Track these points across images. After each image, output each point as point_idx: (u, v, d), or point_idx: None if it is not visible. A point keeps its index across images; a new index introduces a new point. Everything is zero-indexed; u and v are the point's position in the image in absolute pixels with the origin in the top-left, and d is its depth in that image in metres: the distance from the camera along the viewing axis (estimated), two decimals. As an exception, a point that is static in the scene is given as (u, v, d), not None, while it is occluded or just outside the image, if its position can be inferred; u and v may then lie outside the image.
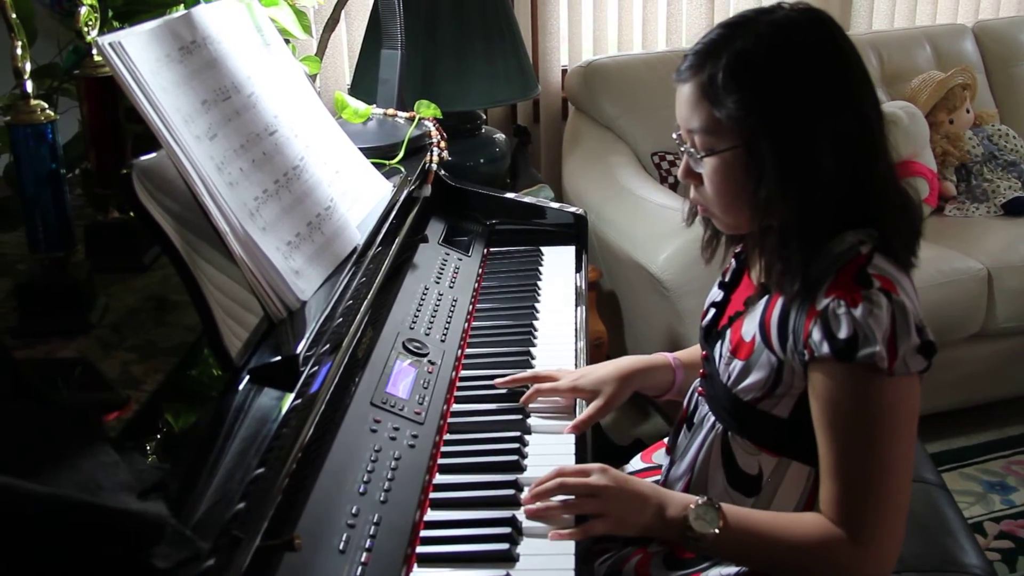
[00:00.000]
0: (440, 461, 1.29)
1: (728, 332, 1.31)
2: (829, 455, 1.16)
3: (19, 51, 1.19)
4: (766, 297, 1.25)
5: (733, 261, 1.40)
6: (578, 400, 1.48)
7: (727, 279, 1.41)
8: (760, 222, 1.21)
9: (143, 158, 1.13)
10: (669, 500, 1.23)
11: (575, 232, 2.03)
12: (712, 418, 1.33)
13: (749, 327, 1.26)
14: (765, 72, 1.17)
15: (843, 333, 1.12)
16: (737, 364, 1.26)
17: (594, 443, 1.46)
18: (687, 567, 1.31)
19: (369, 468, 1.17)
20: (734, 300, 1.36)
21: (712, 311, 1.39)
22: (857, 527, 1.15)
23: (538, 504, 1.21)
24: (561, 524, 1.19)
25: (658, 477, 1.45)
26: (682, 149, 1.26)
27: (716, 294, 1.41)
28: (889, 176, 1.22)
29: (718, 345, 1.32)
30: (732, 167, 1.20)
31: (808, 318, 1.16)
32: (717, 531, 1.18)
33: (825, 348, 1.13)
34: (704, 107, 1.19)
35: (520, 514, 1.19)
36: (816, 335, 1.14)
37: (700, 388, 1.40)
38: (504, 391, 1.47)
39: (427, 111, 1.96)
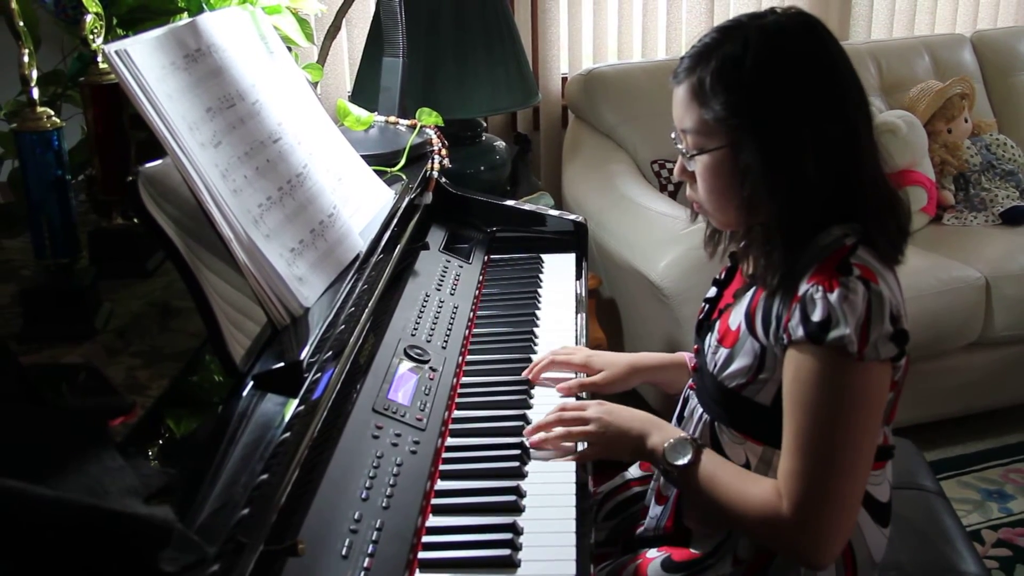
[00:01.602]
0: (442, 467, 1.30)
1: (717, 323, 1.34)
2: (789, 431, 1.19)
3: (26, 58, 1.20)
4: (753, 288, 1.29)
5: (729, 260, 1.43)
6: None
7: (722, 277, 1.45)
8: (747, 220, 1.26)
9: (148, 165, 1.14)
10: (654, 429, 1.34)
11: (575, 239, 2.03)
12: (700, 410, 1.37)
13: (736, 317, 1.30)
14: (751, 77, 1.21)
15: (817, 316, 1.16)
16: (723, 352, 1.30)
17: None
18: (685, 570, 1.33)
19: (371, 474, 1.18)
20: (726, 295, 1.40)
21: (706, 307, 1.44)
22: (801, 505, 1.17)
23: (539, 435, 1.35)
24: (559, 455, 1.34)
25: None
26: (677, 148, 1.30)
27: (711, 291, 1.45)
28: (876, 177, 1.26)
29: (708, 337, 1.36)
30: (720, 166, 1.25)
31: (790, 304, 1.19)
32: (683, 463, 1.27)
33: (800, 331, 1.17)
34: (694, 108, 1.25)
35: (521, 519, 1.20)
36: (794, 319, 1.18)
37: (691, 382, 1.44)
38: (505, 398, 1.48)
39: (428, 119, 1.97)
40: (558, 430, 1.35)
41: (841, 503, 1.17)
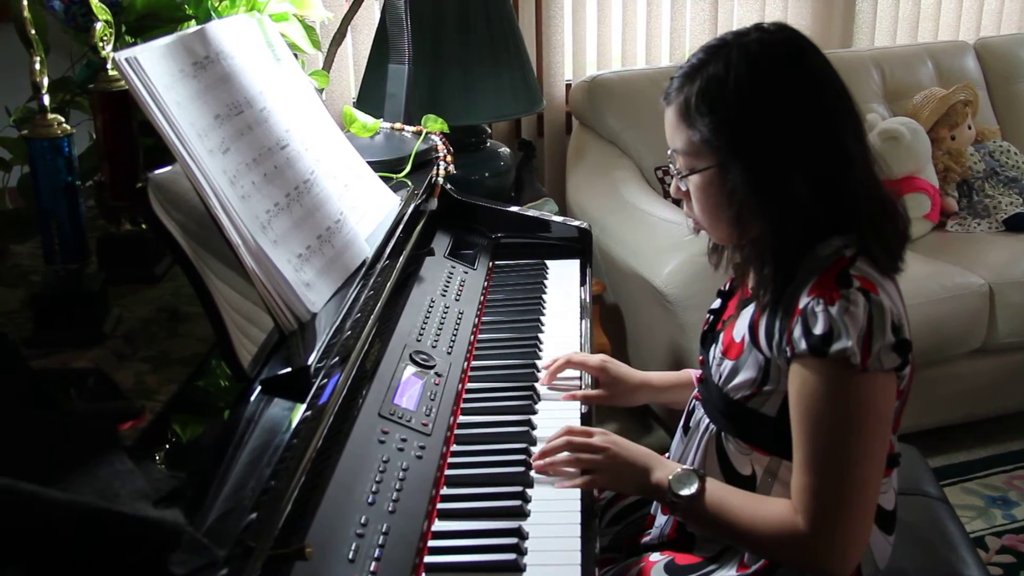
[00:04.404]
0: (447, 472, 1.31)
1: (721, 335, 1.35)
2: (799, 446, 1.20)
3: (37, 65, 1.21)
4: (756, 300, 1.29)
5: (734, 272, 1.43)
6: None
7: (726, 289, 1.45)
8: (740, 236, 1.28)
9: (158, 172, 1.15)
10: (657, 465, 1.32)
11: (579, 246, 2.04)
12: (707, 421, 1.37)
13: (739, 328, 1.31)
14: (733, 97, 1.22)
15: (819, 329, 1.16)
16: (727, 364, 1.31)
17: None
18: (688, 572, 1.33)
19: (377, 478, 1.19)
20: (730, 306, 1.40)
21: (710, 318, 1.44)
22: (818, 519, 1.17)
23: (546, 460, 1.32)
24: (564, 480, 1.31)
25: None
26: (670, 167, 1.32)
27: (715, 303, 1.46)
28: (870, 187, 1.26)
29: (712, 348, 1.36)
30: (710, 186, 1.26)
31: (791, 317, 1.20)
32: (690, 493, 1.26)
33: (803, 345, 1.17)
34: (683, 129, 1.26)
35: (527, 524, 1.21)
36: (796, 332, 1.18)
37: (697, 393, 1.44)
38: (510, 403, 1.49)
39: (434, 125, 1.98)
40: (565, 456, 1.33)
41: (858, 514, 1.18)
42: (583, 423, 1.47)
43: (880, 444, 1.19)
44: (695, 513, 1.28)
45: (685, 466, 1.31)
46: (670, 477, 1.28)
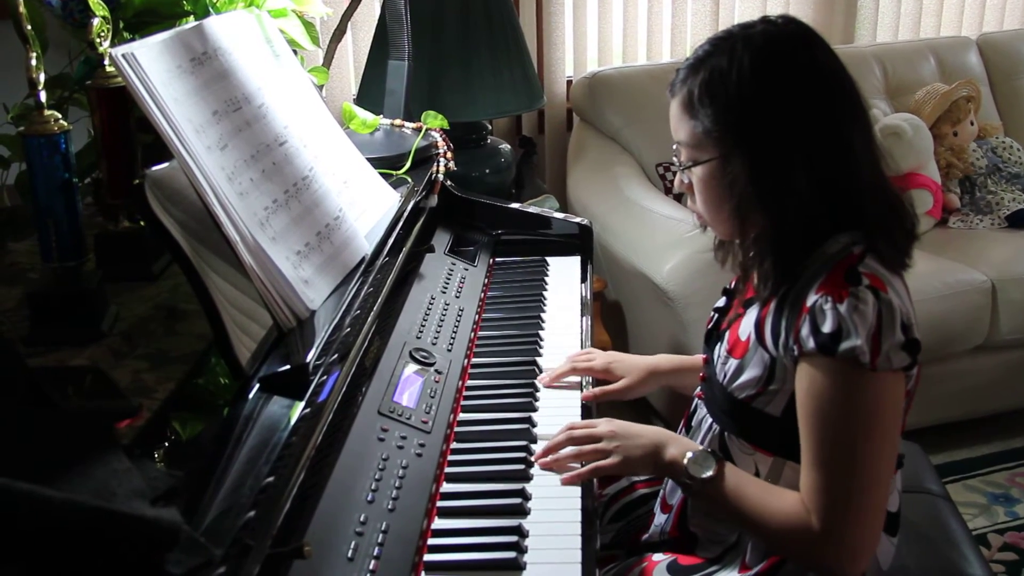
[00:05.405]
0: (447, 470, 1.30)
1: (727, 334, 1.34)
2: (808, 446, 1.19)
3: (34, 62, 1.21)
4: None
5: (740, 271, 1.42)
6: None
7: (732, 287, 1.44)
8: (742, 230, 1.27)
9: (155, 168, 1.14)
10: (670, 441, 1.32)
11: (580, 242, 2.03)
12: (710, 420, 1.36)
13: (745, 327, 1.30)
14: (736, 89, 1.21)
15: (827, 328, 1.15)
16: (732, 363, 1.30)
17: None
18: (691, 573, 1.33)
19: (377, 476, 1.18)
20: (735, 305, 1.39)
21: (715, 316, 1.43)
22: (827, 518, 1.16)
23: (550, 457, 1.32)
24: (572, 476, 1.30)
25: (660, 488, 1.47)
26: (675, 160, 1.31)
27: (720, 301, 1.45)
28: (877, 184, 1.25)
29: (717, 347, 1.35)
30: (712, 178, 1.26)
31: (799, 315, 1.19)
32: (707, 476, 1.25)
33: (811, 343, 1.16)
34: (686, 121, 1.26)
35: (527, 522, 1.20)
36: (804, 330, 1.17)
37: (700, 392, 1.43)
38: (510, 400, 1.48)
39: (434, 122, 1.97)
40: (569, 450, 1.32)
41: (868, 513, 1.17)
42: (584, 417, 1.46)
43: (889, 444, 1.18)
44: (708, 496, 1.27)
45: (700, 446, 1.31)
46: (687, 458, 1.27)
